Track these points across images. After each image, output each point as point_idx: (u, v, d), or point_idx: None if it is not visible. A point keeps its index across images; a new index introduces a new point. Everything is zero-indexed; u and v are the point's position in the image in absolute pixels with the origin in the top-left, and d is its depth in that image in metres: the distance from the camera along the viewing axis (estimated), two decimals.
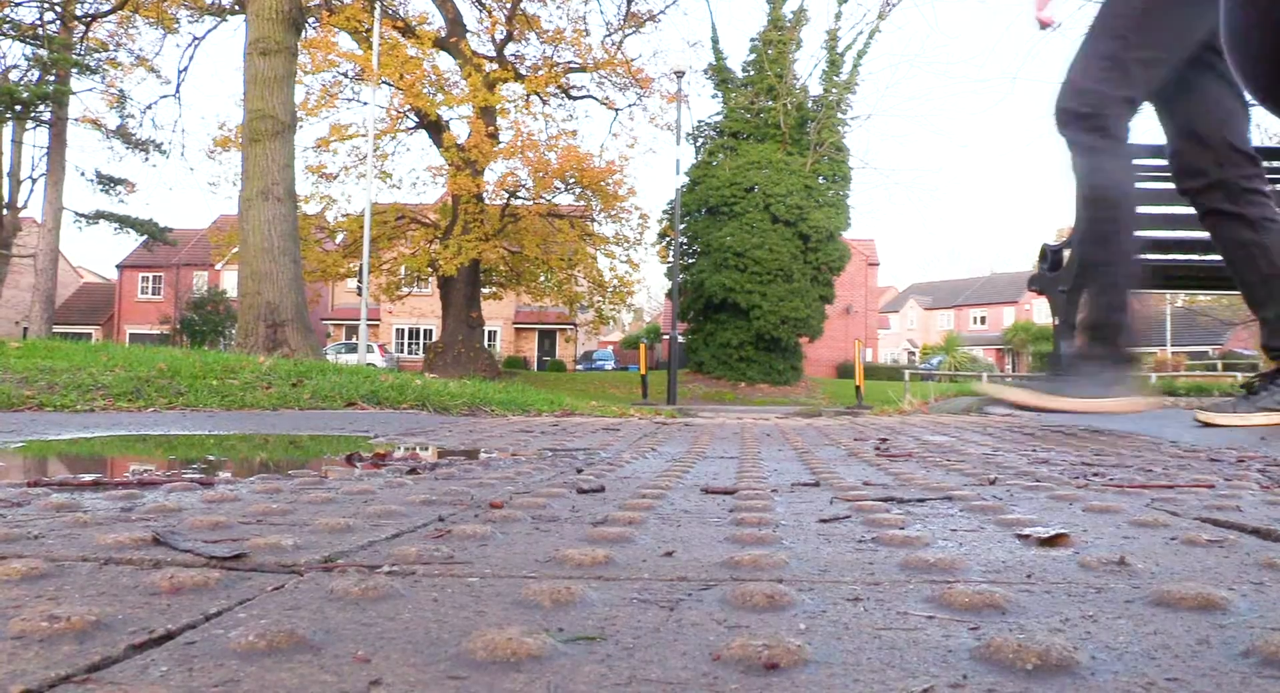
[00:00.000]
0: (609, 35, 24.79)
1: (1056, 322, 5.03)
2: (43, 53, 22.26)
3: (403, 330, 44.91)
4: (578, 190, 24.77)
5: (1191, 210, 4.80)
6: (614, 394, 21.28)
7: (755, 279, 25.16)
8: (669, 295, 24.69)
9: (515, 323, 46.84)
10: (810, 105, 26.48)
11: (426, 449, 2.03)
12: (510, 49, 25.10)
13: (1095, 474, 1.53)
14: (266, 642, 0.53)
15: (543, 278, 26.40)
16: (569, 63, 24.71)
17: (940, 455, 1.90)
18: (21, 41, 22.55)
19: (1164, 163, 4.74)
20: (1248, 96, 2.45)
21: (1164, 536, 0.94)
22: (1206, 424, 2.55)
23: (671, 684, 0.48)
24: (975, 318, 63.18)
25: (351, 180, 24.98)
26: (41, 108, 23.45)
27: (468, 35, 24.12)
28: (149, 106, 28.38)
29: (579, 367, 45.65)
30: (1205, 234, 4.84)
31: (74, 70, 23.13)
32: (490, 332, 41.95)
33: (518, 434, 2.48)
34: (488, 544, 0.87)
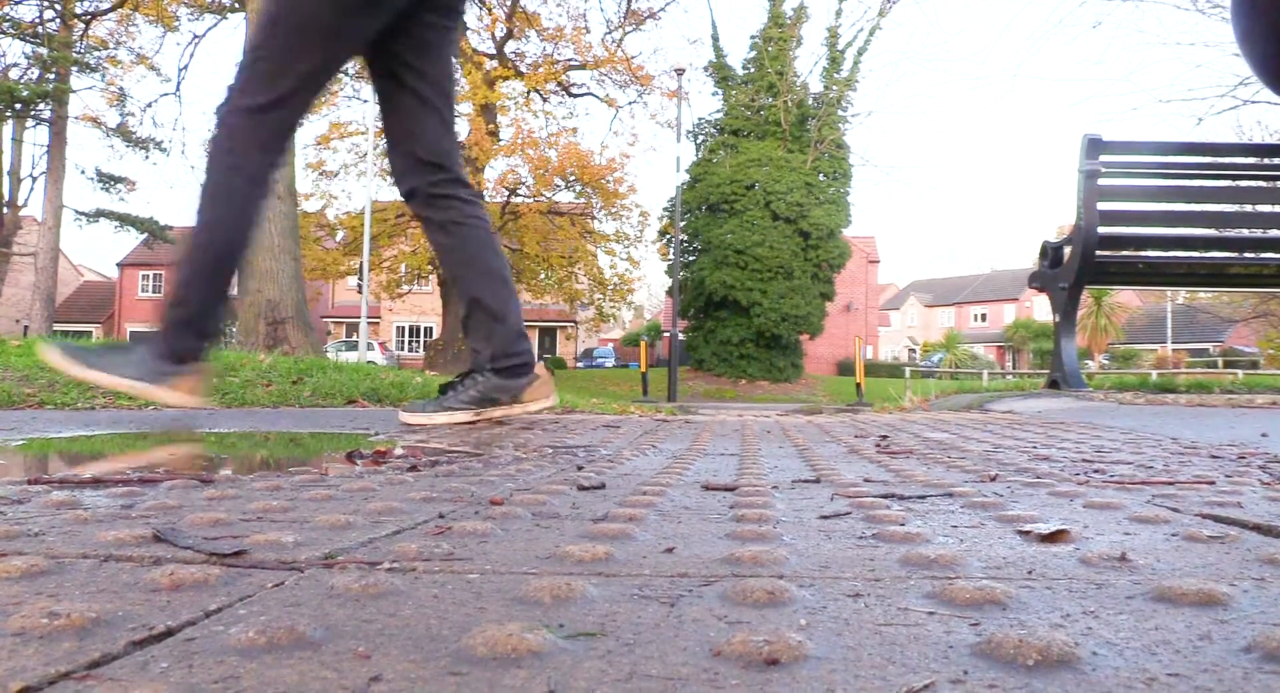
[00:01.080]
0: (609, 33, 24.79)
1: (1057, 318, 5.03)
2: (42, 51, 22.25)
3: (403, 328, 44.92)
4: (578, 188, 24.78)
5: (1190, 207, 4.80)
6: (614, 391, 21.29)
7: (756, 276, 25.16)
8: (669, 293, 24.69)
9: None
10: (811, 102, 26.47)
11: (427, 446, 2.03)
12: (510, 46, 25.10)
13: (1096, 471, 1.52)
14: (267, 639, 0.53)
15: (543, 275, 26.40)
16: (569, 60, 24.70)
17: (941, 452, 1.90)
18: (21, 39, 22.54)
19: (1164, 160, 4.75)
20: (443, 109, 2.58)
21: (1165, 531, 0.94)
22: (405, 424, 2.64)
23: (672, 680, 0.48)
24: (976, 315, 63.18)
25: (352, 178, 24.99)
26: (41, 106, 23.45)
27: (468, 33, 24.10)
28: (149, 104, 28.42)
29: (579, 364, 45.67)
30: (1205, 231, 4.85)
31: (74, 68, 23.11)
32: None
33: (518, 431, 2.48)
34: (488, 541, 0.87)
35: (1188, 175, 4.79)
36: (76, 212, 26.59)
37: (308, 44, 2.37)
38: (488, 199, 24.05)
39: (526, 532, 0.93)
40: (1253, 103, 13.46)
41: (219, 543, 0.82)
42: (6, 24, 21.79)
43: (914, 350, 59.62)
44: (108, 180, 26.69)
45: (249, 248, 2.54)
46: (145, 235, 29.19)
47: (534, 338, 47.85)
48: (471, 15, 26.03)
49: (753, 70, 27.06)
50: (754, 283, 25.18)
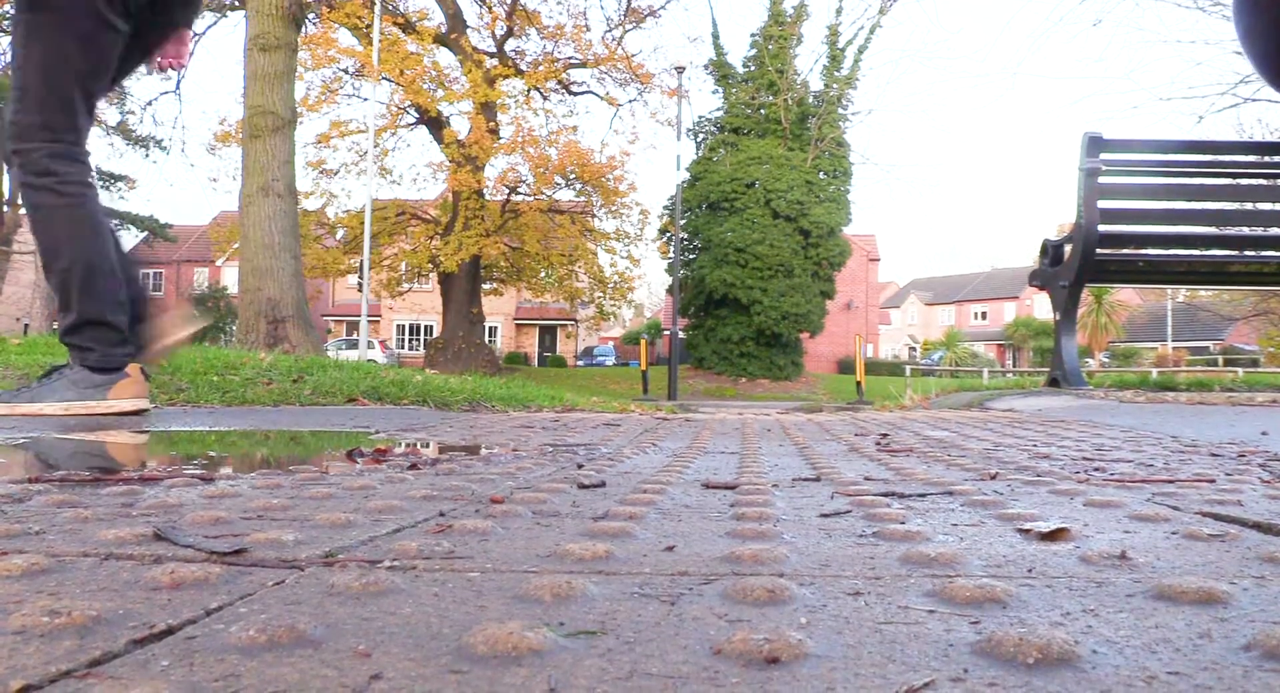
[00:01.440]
0: (609, 31, 24.77)
1: (1058, 316, 5.03)
2: None
3: (404, 326, 44.92)
4: (578, 186, 24.76)
5: (1190, 206, 4.79)
6: (615, 390, 21.29)
7: (756, 275, 25.16)
8: (670, 291, 24.67)
9: (516, 319, 46.84)
10: (811, 101, 26.45)
11: (427, 445, 2.03)
12: (510, 44, 25.09)
13: (1096, 469, 1.52)
14: (267, 637, 0.53)
15: (543, 274, 26.40)
16: (569, 58, 24.68)
17: (941, 451, 1.90)
18: None
19: (1164, 158, 4.74)
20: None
21: (1165, 530, 0.94)
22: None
23: (672, 678, 0.48)
24: (976, 313, 63.15)
25: (352, 176, 24.98)
26: None
27: (468, 31, 24.09)
28: (149, 103, 28.40)
29: (580, 362, 45.66)
30: (1206, 229, 4.85)
31: None
32: (491, 327, 41.96)
33: (518, 430, 2.49)
34: (488, 539, 0.87)
35: (1188, 173, 4.79)
36: None
37: (55, 76, 2.45)
38: (488, 197, 24.05)
39: (527, 530, 0.93)
40: (1253, 101, 13.46)
41: (219, 541, 0.82)
42: (7, 22, 21.78)
43: (914, 349, 59.63)
44: (107, 178, 26.72)
45: (106, 245, 2.57)
46: (145, 234, 29.24)
47: (534, 336, 47.84)
48: (472, 13, 26.06)
49: (753, 68, 27.04)
50: (754, 281, 25.18)
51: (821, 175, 26.14)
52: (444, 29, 23.80)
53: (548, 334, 48.11)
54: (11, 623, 0.56)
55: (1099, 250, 4.59)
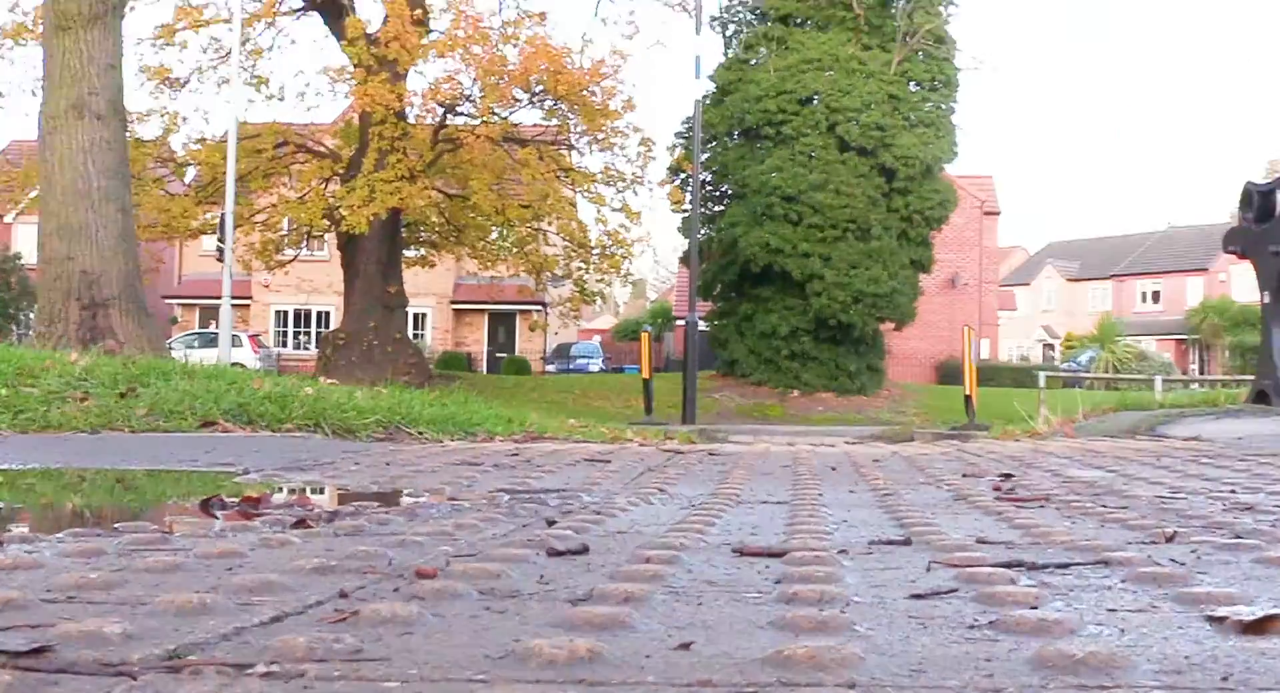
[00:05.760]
0: None
1: (1266, 298, 5.03)
2: None
3: (285, 313, 45.00)
4: (549, 103, 24.76)
5: None
6: (602, 408, 21.32)
7: (814, 235, 25.22)
8: (685, 260, 24.68)
9: (454, 302, 46.91)
10: None
11: (321, 491, 2.04)
12: None
13: None
14: None
15: (496, 235, 26.42)
16: None
17: (1091, 499, 1.90)
18: None
19: None
20: None
21: None
22: None
23: None
24: (1144, 293, 63.27)
25: (209, 87, 24.96)
26: None
27: None
28: None
29: (550, 367, 45.73)
30: None
31: None
32: (417, 315, 42.03)
33: (458, 468, 2.49)
34: (413, 632, 0.87)
35: None
36: None
37: None
38: (413, 119, 24.08)
39: (471, 618, 0.93)
40: None
41: (11, 636, 0.83)
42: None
43: (1052, 346, 59.75)
44: None
45: None
46: None
47: (481, 328, 47.90)
48: None
49: None
50: (811, 245, 25.22)
51: (913, 87, 26.17)
52: None
53: (502, 325, 48.17)
54: None
55: None
